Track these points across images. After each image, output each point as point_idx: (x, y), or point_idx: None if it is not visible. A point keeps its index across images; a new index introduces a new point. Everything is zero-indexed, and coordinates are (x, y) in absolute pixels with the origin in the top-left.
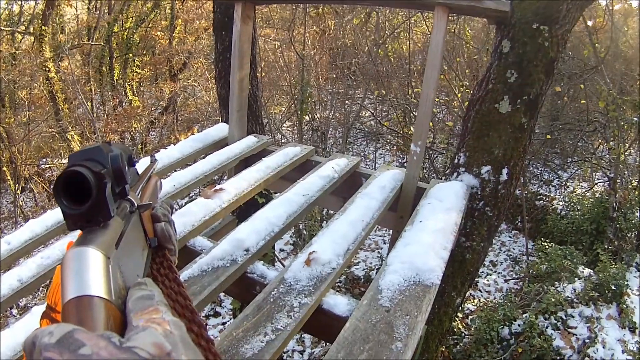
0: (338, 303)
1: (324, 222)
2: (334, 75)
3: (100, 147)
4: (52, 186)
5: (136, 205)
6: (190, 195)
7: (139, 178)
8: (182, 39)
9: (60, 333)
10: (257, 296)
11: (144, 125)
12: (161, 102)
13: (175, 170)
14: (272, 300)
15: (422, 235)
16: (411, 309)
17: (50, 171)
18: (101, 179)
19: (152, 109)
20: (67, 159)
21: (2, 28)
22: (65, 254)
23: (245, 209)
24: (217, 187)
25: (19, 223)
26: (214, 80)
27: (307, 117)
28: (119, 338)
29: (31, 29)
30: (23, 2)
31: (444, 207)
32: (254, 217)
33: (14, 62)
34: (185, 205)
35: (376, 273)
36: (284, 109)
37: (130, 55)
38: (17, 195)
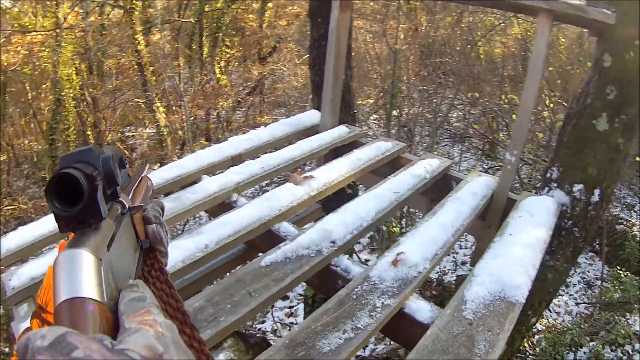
0: (420, 308)
1: (403, 219)
2: (425, 73)
3: (92, 149)
4: (132, 153)
5: (127, 207)
6: (274, 180)
7: (130, 180)
8: (272, 23)
9: (52, 336)
10: (339, 291)
11: (230, 104)
12: (249, 83)
13: (265, 153)
14: (354, 297)
15: (512, 249)
16: (494, 325)
17: (133, 139)
18: (93, 181)
19: (240, 88)
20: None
21: None
22: (57, 255)
23: (331, 199)
24: (307, 174)
25: None
26: (304, 66)
27: (394, 112)
28: (110, 340)
29: (121, 2)
30: None
31: (534, 222)
32: (344, 209)
33: (103, 32)
34: (271, 189)
35: (450, 277)
36: (371, 101)
37: (220, 34)
38: None
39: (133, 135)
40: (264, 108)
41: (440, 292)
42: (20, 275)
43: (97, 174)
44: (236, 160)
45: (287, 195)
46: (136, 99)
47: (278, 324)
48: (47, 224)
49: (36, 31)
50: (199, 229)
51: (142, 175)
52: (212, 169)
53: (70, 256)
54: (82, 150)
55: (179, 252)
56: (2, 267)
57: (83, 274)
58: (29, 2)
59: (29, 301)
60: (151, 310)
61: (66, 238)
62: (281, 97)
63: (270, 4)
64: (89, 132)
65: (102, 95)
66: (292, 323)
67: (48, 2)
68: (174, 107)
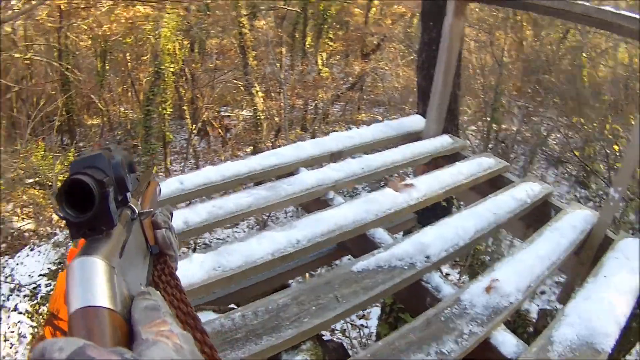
0: (506, 342)
1: (490, 238)
2: (529, 90)
3: (102, 155)
4: (226, 133)
5: (137, 212)
6: (370, 183)
7: (139, 184)
8: (377, 21)
9: (70, 349)
10: (428, 310)
11: (329, 97)
12: (349, 79)
13: (365, 153)
14: (442, 319)
15: (605, 292)
16: None
17: (229, 119)
18: (104, 187)
19: (340, 82)
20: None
21: None
22: (69, 263)
23: (425, 210)
24: (408, 181)
25: (189, 160)
26: (406, 68)
27: (493, 126)
28: (131, 354)
29: None
30: None
31: (630, 267)
32: (442, 223)
33: (208, 12)
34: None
35: (527, 305)
36: (470, 111)
37: (325, 26)
38: (192, 134)
39: (229, 116)
40: (362, 105)
41: (515, 318)
42: None
43: (108, 180)
44: (335, 156)
45: (386, 200)
46: (235, 81)
47: (348, 324)
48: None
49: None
50: (293, 222)
51: (151, 179)
52: (310, 163)
53: (83, 264)
54: (93, 155)
55: (270, 244)
56: None
57: (96, 282)
58: None
59: None
60: (166, 320)
61: (75, 244)
62: (380, 96)
63: (376, 1)
64: (185, 107)
65: (202, 73)
66: (362, 325)
67: None
68: (272, 94)
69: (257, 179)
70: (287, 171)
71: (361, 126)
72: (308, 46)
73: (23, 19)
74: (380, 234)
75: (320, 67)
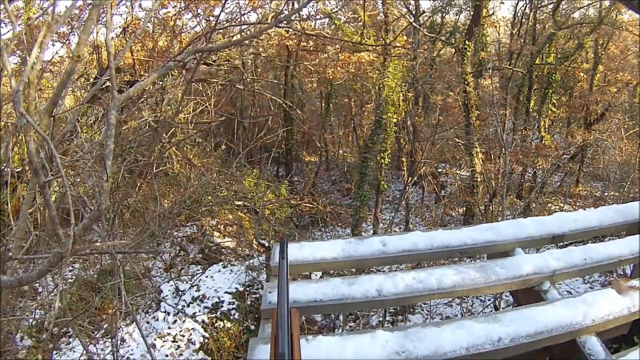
0: None
1: None
2: None
3: None
4: (441, 190)
5: None
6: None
7: None
8: (602, 88)
9: None
10: None
11: (549, 166)
12: (570, 148)
13: (589, 241)
14: None
15: None
16: None
17: (446, 177)
18: None
19: (561, 151)
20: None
21: (426, 34)
22: None
23: None
24: (634, 282)
25: (400, 211)
26: (629, 141)
27: None
28: None
29: (453, 40)
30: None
31: None
32: None
33: (434, 66)
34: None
35: None
36: None
37: (550, 91)
38: (407, 187)
39: (446, 173)
40: (581, 177)
41: None
42: None
43: None
44: (557, 239)
45: (606, 304)
46: (457, 139)
47: None
48: (334, 247)
49: (364, 50)
50: (496, 314)
51: None
52: (528, 244)
53: None
54: None
55: (466, 336)
56: None
57: None
58: (361, 26)
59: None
60: None
61: None
62: (599, 169)
63: (600, 67)
64: (403, 159)
65: (424, 127)
66: None
67: (381, 26)
68: (492, 156)
69: (468, 253)
70: (502, 250)
71: (588, 208)
72: (531, 109)
73: (254, 55)
74: (593, 343)
75: (543, 133)
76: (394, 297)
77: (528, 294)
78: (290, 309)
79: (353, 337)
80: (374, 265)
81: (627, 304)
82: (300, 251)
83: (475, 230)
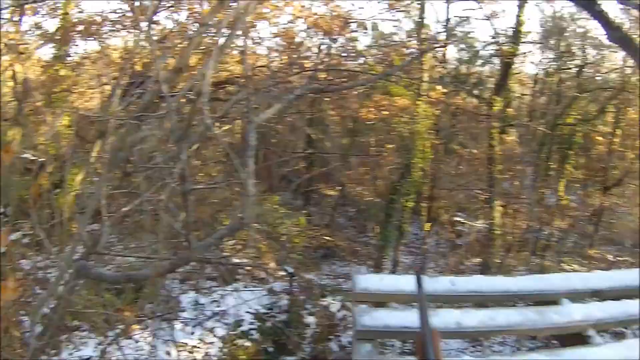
0: None
1: None
2: None
3: None
4: (457, 238)
5: None
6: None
7: None
8: (621, 154)
9: None
10: None
11: (565, 226)
12: (588, 210)
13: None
14: None
15: None
16: None
17: (462, 226)
18: None
19: (576, 212)
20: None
21: (453, 83)
22: None
23: None
24: None
25: (418, 255)
26: None
27: None
28: None
29: (477, 91)
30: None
31: None
32: None
33: (457, 115)
34: None
35: None
36: None
37: (570, 152)
38: (427, 232)
39: (463, 223)
40: (594, 241)
41: None
42: (375, 318)
43: None
44: (596, 294)
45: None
46: (478, 191)
47: None
48: (407, 282)
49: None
50: (557, 350)
51: None
52: (573, 296)
53: None
54: None
55: None
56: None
57: None
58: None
59: (373, 344)
60: None
61: None
62: (613, 234)
63: (618, 131)
64: (423, 204)
65: (446, 174)
66: None
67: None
68: (508, 210)
69: (524, 299)
70: (552, 299)
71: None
72: (551, 169)
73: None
74: None
75: (561, 193)
76: (472, 330)
77: (574, 339)
78: (432, 331)
79: None
80: (444, 302)
81: None
82: (381, 282)
83: (529, 280)
